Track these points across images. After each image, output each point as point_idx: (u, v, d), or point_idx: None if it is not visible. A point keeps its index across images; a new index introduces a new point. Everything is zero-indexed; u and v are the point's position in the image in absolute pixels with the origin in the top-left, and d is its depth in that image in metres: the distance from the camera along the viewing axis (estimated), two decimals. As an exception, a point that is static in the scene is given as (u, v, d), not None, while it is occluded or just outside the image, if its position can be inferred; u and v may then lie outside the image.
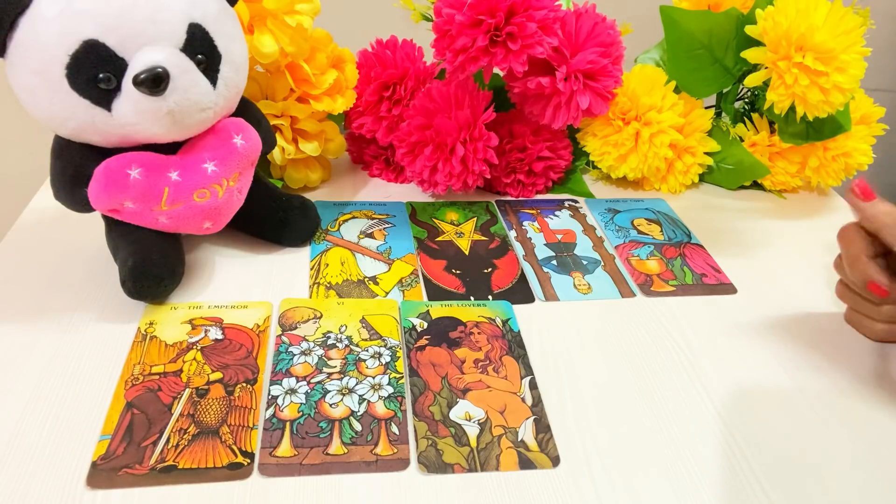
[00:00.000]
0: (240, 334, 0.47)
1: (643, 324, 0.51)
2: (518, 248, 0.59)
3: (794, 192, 0.72)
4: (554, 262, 0.58)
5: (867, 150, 0.67)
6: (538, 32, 0.55)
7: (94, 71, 0.42)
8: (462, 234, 0.61)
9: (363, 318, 0.49)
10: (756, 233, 0.64)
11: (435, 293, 0.53)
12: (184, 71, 0.43)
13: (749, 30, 0.62)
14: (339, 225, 0.61)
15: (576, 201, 0.67)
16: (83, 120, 0.44)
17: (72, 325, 0.47)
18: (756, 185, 0.71)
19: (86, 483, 0.36)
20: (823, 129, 0.64)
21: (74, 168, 0.47)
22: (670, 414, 0.43)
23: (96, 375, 0.43)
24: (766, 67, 0.61)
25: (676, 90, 0.66)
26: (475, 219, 0.63)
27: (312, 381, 0.44)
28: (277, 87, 0.59)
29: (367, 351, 0.47)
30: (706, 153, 0.68)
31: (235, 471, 0.38)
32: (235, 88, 0.49)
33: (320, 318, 0.49)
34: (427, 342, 0.48)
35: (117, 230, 0.50)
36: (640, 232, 0.63)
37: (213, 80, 0.46)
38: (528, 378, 0.45)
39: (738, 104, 0.72)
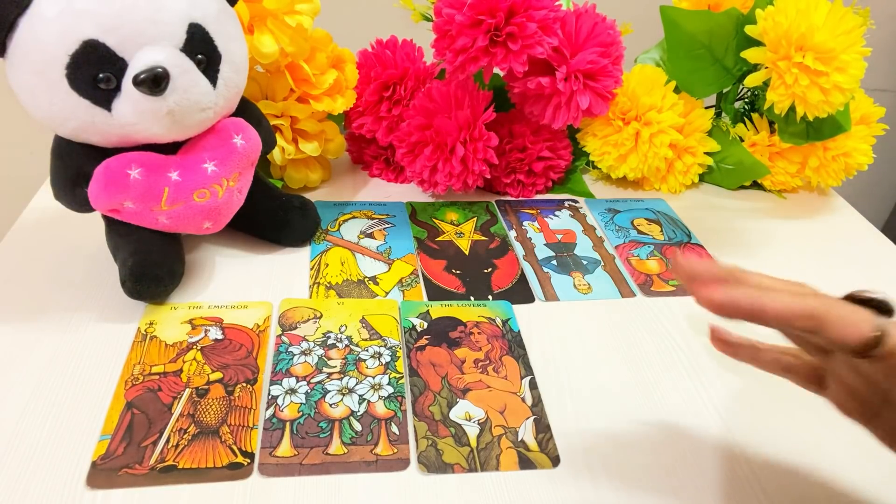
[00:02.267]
0: (240, 334, 0.47)
1: (643, 324, 0.51)
2: (518, 248, 0.59)
3: (794, 192, 0.72)
4: (554, 262, 0.58)
5: (867, 150, 0.67)
6: (538, 32, 0.55)
7: (94, 71, 0.42)
8: (462, 234, 0.61)
9: (363, 318, 0.49)
10: (756, 233, 0.64)
11: (435, 293, 0.53)
12: (184, 71, 0.43)
13: (749, 30, 0.62)
14: (339, 225, 0.61)
15: (576, 201, 0.67)
16: (83, 120, 0.44)
17: (72, 325, 0.47)
18: (756, 185, 0.71)
19: (86, 483, 0.36)
20: (823, 129, 0.64)
21: (74, 168, 0.47)
22: (670, 414, 0.43)
23: (96, 375, 0.43)
24: (766, 67, 0.61)
25: (676, 90, 0.66)
26: (475, 219, 0.63)
27: (312, 381, 0.44)
28: (277, 87, 0.59)
29: (367, 351, 0.47)
30: (706, 153, 0.68)
31: (235, 471, 0.38)
32: (235, 88, 0.49)
33: (320, 318, 0.49)
34: (427, 342, 0.48)
35: (117, 230, 0.50)
36: (640, 232, 0.63)
37: (213, 80, 0.46)
38: (528, 378, 0.45)
39: (738, 104, 0.72)
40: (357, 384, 0.44)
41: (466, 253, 0.58)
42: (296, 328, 0.48)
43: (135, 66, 0.42)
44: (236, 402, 0.42)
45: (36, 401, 0.41)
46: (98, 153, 0.46)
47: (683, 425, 0.43)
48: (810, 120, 0.62)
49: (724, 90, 0.70)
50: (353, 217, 0.62)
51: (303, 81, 0.59)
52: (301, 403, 0.42)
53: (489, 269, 0.56)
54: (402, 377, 0.45)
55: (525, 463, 0.39)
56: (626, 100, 0.65)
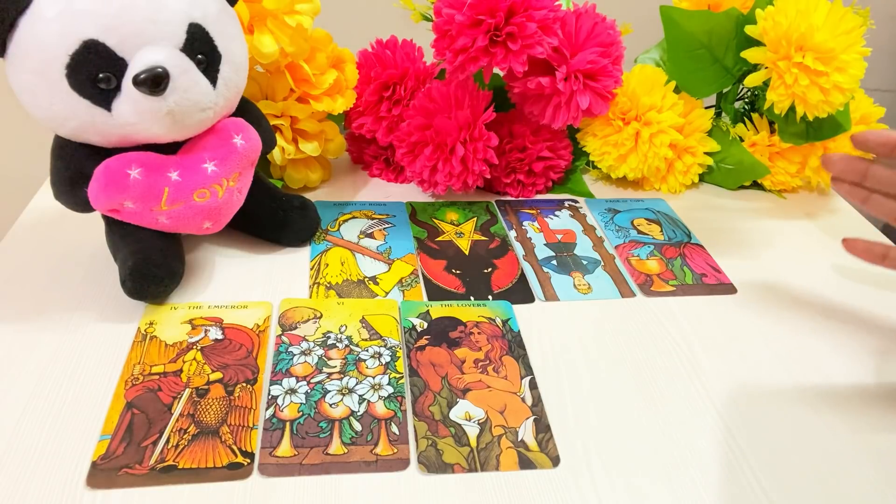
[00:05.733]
0: (240, 334, 0.47)
1: (643, 324, 0.51)
2: (518, 248, 0.59)
3: (794, 192, 0.72)
4: (554, 262, 0.58)
5: (867, 150, 0.67)
6: (538, 32, 0.55)
7: (94, 71, 0.42)
8: (462, 234, 0.61)
9: (363, 318, 0.49)
10: (756, 233, 0.64)
11: (435, 293, 0.53)
12: (184, 71, 0.43)
13: (749, 30, 0.62)
14: (339, 225, 0.61)
15: (576, 201, 0.67)
16: (83, 120, 0.44)
17: (72, 325, 0.47)
18: (756, 185, 0.71)
19: (86, 483, 0.37)
20: (823, 128, 0.64)
21: (74, 168, 0.47)
22: (670, 414, 0.43)
23: (96, 375, 0.43)
24: (766, 67, 0.61)
25: (676, 90, 0.66)
26: (475, 219, 0.63)
27: (312, 381, 0.44)
28: (277, 87, 0.59)
29: (367, 351, 0.47)
30: (706, 153, 0.68)
31: (235, 471, 0.38)
32: (235, 88, 0.49)
33: (320, 318, 0.49)
34: (427, 342, 0.48)
35: (117, 230, 0.50)
36: (640, 232, 0.63)
37: (213, 80, 0.46)
38: (528, 378, 0.45)
39: (738, 104, 0.72)
40: (357, 384, 0.44)
41: (466, 253, 0.58)
42: (296, 328, 0.48)
43: (135, 66, 0.42)
44: (236, 402, 0.42)
45: (36, 401, 0.41)
46: (98, 153, 0.46)
47: (683, 425, 0.43)
48: (810, 120, 0.62)
49: (724, 90, 0.70)
50: (353, 217, 0.62)
51: (303, 81, 0.59)
52: (301, 403, 0.42)
53: (489, 269, 0.56)
54: (402, 377, 0.45)
55: (525, 463, 0.39)
56: (626, 100, 0.65)
